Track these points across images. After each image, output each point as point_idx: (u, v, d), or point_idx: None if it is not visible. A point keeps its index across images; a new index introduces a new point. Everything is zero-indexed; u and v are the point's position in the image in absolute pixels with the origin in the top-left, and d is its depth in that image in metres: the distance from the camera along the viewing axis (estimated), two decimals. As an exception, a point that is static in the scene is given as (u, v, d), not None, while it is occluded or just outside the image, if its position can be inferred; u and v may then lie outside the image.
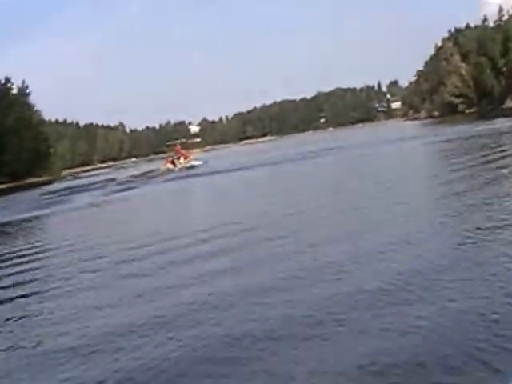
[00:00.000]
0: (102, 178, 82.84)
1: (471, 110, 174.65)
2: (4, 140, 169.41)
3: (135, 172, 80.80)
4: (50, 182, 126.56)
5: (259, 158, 70.09)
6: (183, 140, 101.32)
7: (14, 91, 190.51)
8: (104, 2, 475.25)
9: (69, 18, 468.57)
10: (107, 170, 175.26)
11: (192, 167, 68.76)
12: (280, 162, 56.23)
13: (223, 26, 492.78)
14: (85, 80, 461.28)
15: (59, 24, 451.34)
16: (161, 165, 75.57)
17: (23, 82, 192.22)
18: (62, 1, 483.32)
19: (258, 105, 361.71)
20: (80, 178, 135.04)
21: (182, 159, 73.69)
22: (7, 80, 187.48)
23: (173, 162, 72.98)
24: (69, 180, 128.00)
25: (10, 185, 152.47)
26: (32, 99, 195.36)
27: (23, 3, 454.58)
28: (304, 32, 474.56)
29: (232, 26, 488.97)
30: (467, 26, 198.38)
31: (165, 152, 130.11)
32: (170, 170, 68.93)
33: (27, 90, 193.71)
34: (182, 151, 77.07)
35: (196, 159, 76.17)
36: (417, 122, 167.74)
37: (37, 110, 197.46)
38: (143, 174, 70.93)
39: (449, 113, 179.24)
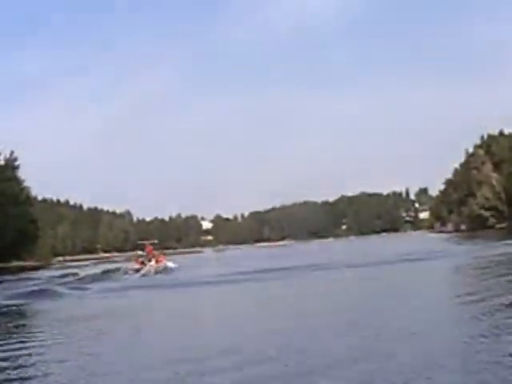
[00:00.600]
0: (68, 271, 73.91)
1: (502, 225, 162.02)
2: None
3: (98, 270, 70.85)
4: (35, 269, 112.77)
5: (259, 266, 59.92)
6: (155, 241, 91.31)
7: (1, 162, 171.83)
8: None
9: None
10: (92, 261, 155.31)
11: (164, 269, 66.94)
12: (285, 277, 45.35)
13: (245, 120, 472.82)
14: (91, 160, 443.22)
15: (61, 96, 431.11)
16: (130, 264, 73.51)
17: (11, 152, 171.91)
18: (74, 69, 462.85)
19: (277, 205, 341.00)
20: (66, 267, 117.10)
21: (153, 261, 70.39)
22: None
23: (143, 263, 69.69)
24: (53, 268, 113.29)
25: None
26: (22, 173, 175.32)
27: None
28: (329, 131, 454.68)
29: (253, 121, 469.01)
30: (501, 133, 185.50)
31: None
32: (135, 270, 65.25)
33: (16, 163, 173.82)
34: (154, 252, 74.88)
35: (171, 262, 73.49)
36: (443, 236, 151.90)
37: (25, 187, 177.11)
38: (105, 272, 65.23)
39: (478, 227, 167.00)
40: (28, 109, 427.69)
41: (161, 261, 71.98)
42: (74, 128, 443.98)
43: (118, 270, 67.44)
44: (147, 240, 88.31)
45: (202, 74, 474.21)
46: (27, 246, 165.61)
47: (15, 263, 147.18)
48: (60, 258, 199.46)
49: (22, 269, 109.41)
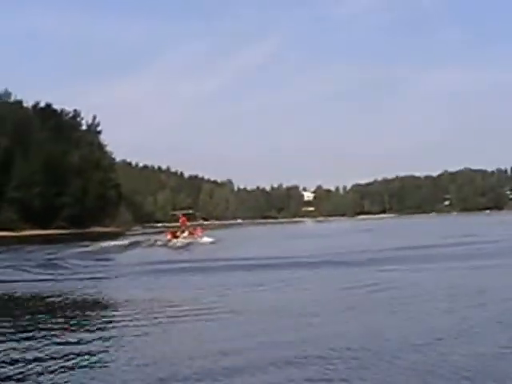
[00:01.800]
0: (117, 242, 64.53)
1: None
2: (65, 180, 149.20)
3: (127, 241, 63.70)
4: (115, 235, 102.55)
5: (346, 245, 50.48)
6: (190, 211, 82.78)
7: (83, 127, 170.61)
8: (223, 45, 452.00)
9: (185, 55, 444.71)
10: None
11: (194, 244, 60.12)
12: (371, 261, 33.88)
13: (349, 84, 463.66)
14: (194, 125, 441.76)
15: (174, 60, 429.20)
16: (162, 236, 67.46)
17: (94, 117, 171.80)
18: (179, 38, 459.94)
19: (379, 177, 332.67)
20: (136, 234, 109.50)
21: (186, 233, 65.75)
22: (76, 114, 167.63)
23: (175, 235, 64.48)
24: (134, 233, 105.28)
25: (69, 231, 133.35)
26: (104, 139, 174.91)
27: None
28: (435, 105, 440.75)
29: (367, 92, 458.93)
30: None
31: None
32: (165, 244, 60.51)
33: (98, 128, 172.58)
34: (188, 224, 69.48)
35: (207, 236, 66.29)
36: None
37: (107, 152, 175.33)
38: (130, 244, 59.57)
39: None
40: (133, 77, 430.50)
41: (195, 233, 66.63)
42: (178, 96, 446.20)
43: (146, 241, 63.39)
44: (182, 210, 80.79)
45: (309, 44, 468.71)
46: (108, 212, 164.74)
47: (94, 229, 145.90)
48: (144, 225, 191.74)
49: (99, 235, 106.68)
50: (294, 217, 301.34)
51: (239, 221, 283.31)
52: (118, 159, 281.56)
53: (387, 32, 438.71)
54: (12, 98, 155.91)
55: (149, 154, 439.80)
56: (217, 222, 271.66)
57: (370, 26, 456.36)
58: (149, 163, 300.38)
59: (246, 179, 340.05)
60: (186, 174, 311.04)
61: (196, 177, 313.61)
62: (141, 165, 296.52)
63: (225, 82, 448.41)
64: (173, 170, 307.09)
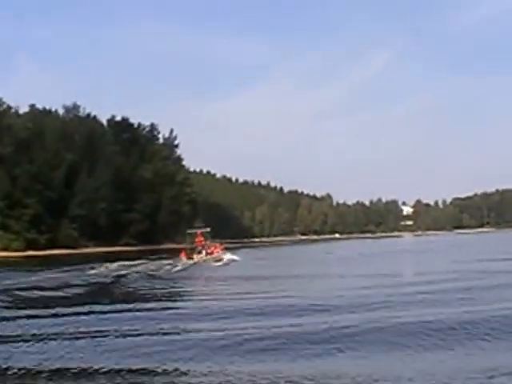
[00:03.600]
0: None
1: None
2: (135, 195, 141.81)
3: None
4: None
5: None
6: (207, 229, 72.41)
7: (160, 141, 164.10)
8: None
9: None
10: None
11: (219, 261, 55.52)
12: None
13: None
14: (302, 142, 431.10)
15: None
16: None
17: (171, 131, 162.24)
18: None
19: (479, 191, 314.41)
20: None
21: (203, 253, 61.06)
22: (153, 128, 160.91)
23: (189, 256, 59.16)
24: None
25: (137, 248, 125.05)
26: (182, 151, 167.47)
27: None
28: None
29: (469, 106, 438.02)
30: None
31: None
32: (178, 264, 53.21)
33: (175, 142, 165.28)
34: (206, 243, 64.50)
35: (229, 253, 61.76)
36: None
37: (183, 166, 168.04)
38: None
39: None
40: (244, 94, 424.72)
41: (214, 252, 62.26)
42: (288, 112, 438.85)
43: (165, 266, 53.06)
44: (198, 228, 73.70)
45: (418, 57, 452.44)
46: (182, 228, 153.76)
47: (166, 245, 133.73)
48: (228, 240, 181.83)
49: (167, 251, 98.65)
50: (393, 231, 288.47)
51: (337, 235, 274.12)
52: (218, 175, 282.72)
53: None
54: (83, 112, 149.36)
55: (249, 169, 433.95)
56: (315, 237, 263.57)
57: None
58: (249, 178, 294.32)
59: (346, 193, 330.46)
60: (286, 189, 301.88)
61: (295, 192, 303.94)
62: (241, 180, 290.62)
63: (338, 97, 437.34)
64: (272, 184, 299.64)
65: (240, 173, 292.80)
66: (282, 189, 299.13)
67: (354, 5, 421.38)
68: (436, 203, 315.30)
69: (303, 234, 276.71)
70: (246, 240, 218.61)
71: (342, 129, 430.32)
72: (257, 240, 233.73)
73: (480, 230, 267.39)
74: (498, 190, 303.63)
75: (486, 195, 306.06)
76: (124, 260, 57.50)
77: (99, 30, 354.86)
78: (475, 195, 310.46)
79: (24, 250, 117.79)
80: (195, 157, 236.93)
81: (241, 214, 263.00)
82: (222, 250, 64.47)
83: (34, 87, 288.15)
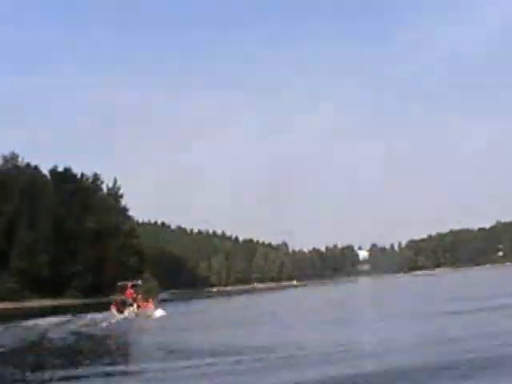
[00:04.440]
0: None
1: None
2: (78, 247, 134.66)
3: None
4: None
5: None
6: (139, 282, 65.51)
7: (104, 191, 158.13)
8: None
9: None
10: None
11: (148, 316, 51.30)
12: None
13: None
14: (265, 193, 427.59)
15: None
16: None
17: (115, 180, 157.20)
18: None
19: (433, 232, 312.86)
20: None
21: (134, 306, 55.43)
22: (95, 177, 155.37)
23: (120, 309, 54.33)
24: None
25: (81, 301, 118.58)
26: (127, 202, 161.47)
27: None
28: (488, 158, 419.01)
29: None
30: None
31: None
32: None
33: (120, 192, 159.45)
34: (136, 296, 57.37)
35: (159, 308, 55.55)
36: None
37: (129, 216, 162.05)
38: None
39: None
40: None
41: (144, 306, 55.87)
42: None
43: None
44: (129, 281, 65.13)
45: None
46: (129, 280, 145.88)
47: (113, 297, 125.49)
48: (178, 291, 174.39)
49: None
50: (349, 276, 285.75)
51: (294, 282, 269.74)
52: (173, 226, 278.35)
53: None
54: (22, 162, 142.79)
55: (203, 219, 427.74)
56: (272, 284, 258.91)
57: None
58: (203, 228, 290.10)
59: (302, 240, 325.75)
60: (241, 238, 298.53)
61: (251, 240, 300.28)
62: (195, 230, 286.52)
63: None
64: (228, 234, 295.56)
65: (195, 223, 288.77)
66: (237, 238, 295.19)
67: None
68: (392, 246, 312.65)
69: (260, 282, 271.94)
70: (204, 290, 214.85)
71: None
72: (214, 290, 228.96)
73: (436, 270, 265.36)
74: (451, 231, 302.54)
75: (440, 236, 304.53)
76: (57, 315, 53.94)
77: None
78: (429, 237, 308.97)
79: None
80: (149, 208, 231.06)
81: (197, 264, 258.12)
82: (153, 303, 58.13)
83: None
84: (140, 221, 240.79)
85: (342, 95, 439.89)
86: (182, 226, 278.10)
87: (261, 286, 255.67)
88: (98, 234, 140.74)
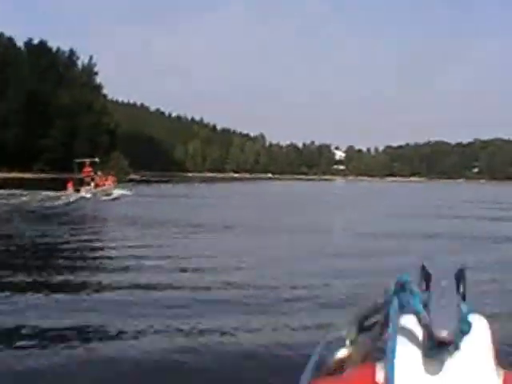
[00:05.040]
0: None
1: None
2: (50, 121, 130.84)
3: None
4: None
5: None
6: (96, 159, 60.81)
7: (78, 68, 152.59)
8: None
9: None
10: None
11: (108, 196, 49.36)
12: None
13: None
14: (230, 79, 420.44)
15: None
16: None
17: (90, 57, 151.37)
18: None
19: (411, 142, 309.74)
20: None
21: (92, 185, 53.15)
22: (71, 53, 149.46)
23: (76, 188, 51.26)
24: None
25: (49, 175, 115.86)
26: (101, 79, 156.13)
27: None
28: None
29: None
30: None
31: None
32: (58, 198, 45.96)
33: (94, 69, 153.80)
34: (93, 174, 55.08)
35: (120, 188, 54.33)
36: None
37: (104, 95, 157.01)
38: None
39: None
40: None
41: (104, 184, 53.51)
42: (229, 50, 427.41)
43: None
44: (87, 158, 61.73)
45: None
46: (99, 157, 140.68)
47: (80, 174, 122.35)
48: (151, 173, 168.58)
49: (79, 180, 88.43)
50: (325, 174, 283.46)
51: (269, 175, 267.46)
52: (152, 108, 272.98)
53: None
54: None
55: (182, 104, 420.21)
56: (248, 176, 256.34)
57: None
58: (182, 113, 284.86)
59: (279, 134, 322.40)
60: (219, 127, 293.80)
61: (228, 130, 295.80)
62: (174, 115, 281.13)
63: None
64: (206, 121, 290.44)
65: (174, 107, 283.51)
66: (215, 126, 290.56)
67: None
68: (368, 150, 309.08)
69: (235, 172, 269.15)
70: (178, 174, 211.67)
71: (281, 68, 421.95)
72: (189, 175, 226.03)
73: (410, 179, 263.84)
74: (429, 142, 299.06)
75: (417, 146, 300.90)
76: (14, 188, 51.09)
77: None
78: (407, 145, 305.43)
79: None
80: (129, 88, 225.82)
81: (172, 148, 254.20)
82: (114, 183, 55.93)
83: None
84: (119, 101, 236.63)
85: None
86: (162, 108, 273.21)
87: (236, 175, 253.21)
88: (70, 110, 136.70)
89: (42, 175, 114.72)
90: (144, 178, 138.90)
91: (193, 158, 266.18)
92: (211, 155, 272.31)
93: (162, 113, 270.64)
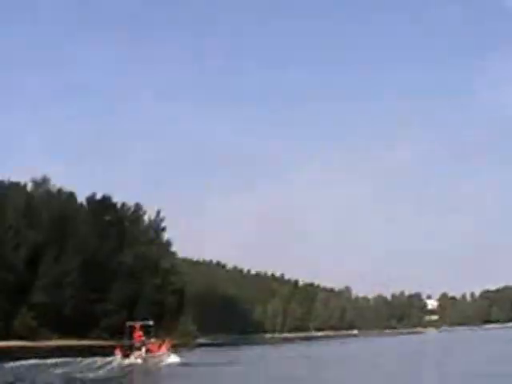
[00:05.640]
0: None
1: None
2: (111, 284, 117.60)
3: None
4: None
5: None
6: (150, 322, 56.38)
7: (145, 223, 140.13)
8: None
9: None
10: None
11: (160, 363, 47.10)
12: None
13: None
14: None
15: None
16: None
17: (158, 212, 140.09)
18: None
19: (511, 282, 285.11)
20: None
21: (143, 350, 49.66)
22: (137, 207, 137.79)
23: (125, 353, 48.69)
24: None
25: (109, 342, 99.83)
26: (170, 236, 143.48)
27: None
28: None
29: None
30: None
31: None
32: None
33: (162, 224, 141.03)
34: (145, 339, 51.44)
35: (171, 354, 49.94)
36: None
37: (172, 252, 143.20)
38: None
39: None
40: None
41: (156, 351, 50.14)
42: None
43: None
44: (138, 321, 57.53)
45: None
46: (166, 322, 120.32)
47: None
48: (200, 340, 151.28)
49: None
50: (416, 327, 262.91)
51: (355, 331, 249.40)
52: (229, 265, 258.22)
53: None
54: (54, 187, 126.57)
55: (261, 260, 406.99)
56: (331, 333, 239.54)
57: None
58: (262, 270, 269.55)
59: (366, 286, 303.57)
60: (301, 282, 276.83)
61: (311, 284, 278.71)
62: (253, 272, 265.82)
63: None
64: (287, 277, 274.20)
65: (253, 264, 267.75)
66: (296, 282, 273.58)
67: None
68: (463, 296, 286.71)
69: (319, 330, 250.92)
70: (256, 336, 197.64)
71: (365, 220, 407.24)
72: (268, 336, 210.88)
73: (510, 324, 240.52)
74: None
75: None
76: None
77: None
78: (506, 287, 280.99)
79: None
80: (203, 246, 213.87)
81: (251, 308, 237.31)
82: (169, 349, 51.58)
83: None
84: (193, 259, 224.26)
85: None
86: (239, 266, 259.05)
87: (319, 334, 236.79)
88: (133, 270, 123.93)
89: (101, 342, 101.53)
90: (215, 341, 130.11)
91: (273, 317, 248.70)
92: (293, 314, 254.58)
93: (240, 270, 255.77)
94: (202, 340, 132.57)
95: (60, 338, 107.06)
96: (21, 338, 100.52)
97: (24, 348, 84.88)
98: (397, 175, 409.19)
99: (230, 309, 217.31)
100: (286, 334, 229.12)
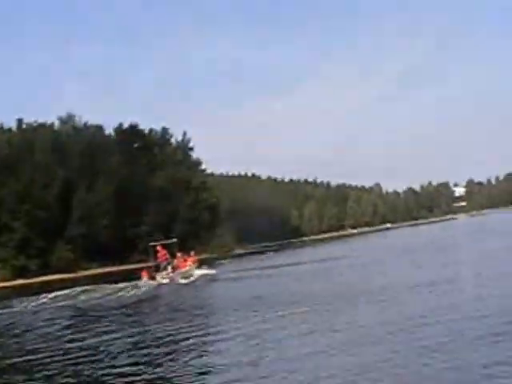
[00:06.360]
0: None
1: None
2: (145, 207, 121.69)
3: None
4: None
5: None
6: (174, 240, 55.18)
7: (173, 145, 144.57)
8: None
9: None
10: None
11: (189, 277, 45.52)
12: None
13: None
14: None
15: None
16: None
17: (184, 133, 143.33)
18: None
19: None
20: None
21: (169, 269, 48.24)
22: (164, 132, 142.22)
23: (151, 275, 47.76)
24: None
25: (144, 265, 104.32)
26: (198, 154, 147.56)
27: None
28: None
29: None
30: None
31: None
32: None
33: (190, 145, 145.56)
34: (177, 255, 50.43)
35: (201, 267, 49.43)
36: None
37: (202, 170, 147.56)
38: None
39: None
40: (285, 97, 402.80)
41: (182, 266, 48.76)
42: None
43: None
44: (160, 240, 57.25)
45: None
46: (201, 238, 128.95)
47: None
48: (254, 246, 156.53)
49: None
50: (446, 214, 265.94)
51: (388, 225, 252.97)
52: (264, 176, 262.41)
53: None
54: (80, 122, 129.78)
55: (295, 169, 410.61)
56: (366, 229, 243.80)
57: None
58: (295, 177, 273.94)
59: (395, 181, 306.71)
60: (333, 184, 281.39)
61: (343, 185, 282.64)
62: (287, 179, 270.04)
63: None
64: (319, 181, 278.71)
65: (287, 173, 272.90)
66: (329, 184, 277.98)
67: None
68: (489, 181, 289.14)
69: (353, 228, 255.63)
70: (294, 240, 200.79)
71: (388, 115, 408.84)
72: (306, 239, 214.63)
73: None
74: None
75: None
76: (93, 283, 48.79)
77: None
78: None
79: (13, 279, 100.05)
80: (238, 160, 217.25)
81: (288, 214, 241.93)
82: (195, 263, 50.09)
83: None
84: (230, 173, 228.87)
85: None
86: (273, 176, 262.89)
87: (354, 231, 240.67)
88: (166, 191, 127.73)
89: (142, 265, 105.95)
90: (251, 250, 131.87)
91: (309, 221, 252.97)
92: (328, 215, 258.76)
93: (275, 179, 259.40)
94: (240, 251, 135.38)
95: (100, 266, 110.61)
96: (60, 271, 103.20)
97: (64, 280, 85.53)
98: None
99: (268, 217, 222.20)
100: (323, 235, 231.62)
